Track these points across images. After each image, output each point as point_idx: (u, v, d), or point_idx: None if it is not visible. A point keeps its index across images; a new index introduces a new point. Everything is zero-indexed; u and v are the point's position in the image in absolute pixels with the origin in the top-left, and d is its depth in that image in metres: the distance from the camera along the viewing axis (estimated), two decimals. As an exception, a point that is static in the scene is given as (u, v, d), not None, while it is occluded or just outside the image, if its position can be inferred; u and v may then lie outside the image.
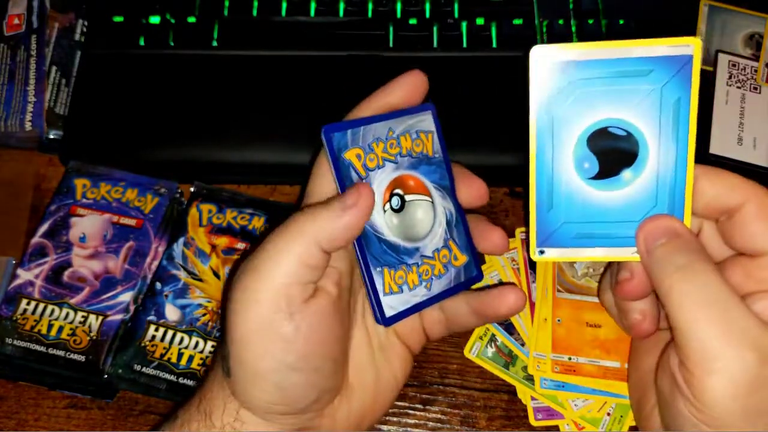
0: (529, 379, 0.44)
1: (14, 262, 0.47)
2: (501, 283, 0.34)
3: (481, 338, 0.46)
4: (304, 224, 0.31)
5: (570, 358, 0.44)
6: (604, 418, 0.43)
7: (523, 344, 0.45)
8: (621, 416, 0.43)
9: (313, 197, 0.34)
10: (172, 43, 0.53)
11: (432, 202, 0.36)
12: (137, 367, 0.43)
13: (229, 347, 0.31)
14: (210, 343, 0.44)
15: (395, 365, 0.37)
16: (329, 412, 0.34)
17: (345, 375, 0.35)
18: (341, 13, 0.54)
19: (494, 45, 0.53)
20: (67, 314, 0.44)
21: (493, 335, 0.46)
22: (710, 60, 0.55)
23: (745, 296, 0.31)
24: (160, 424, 0.39)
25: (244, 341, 0.31)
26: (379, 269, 0.34)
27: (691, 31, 0.56)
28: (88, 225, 0.47)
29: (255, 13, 0.54)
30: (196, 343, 0.44)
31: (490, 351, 0.45)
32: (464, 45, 0.53)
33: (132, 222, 0.47)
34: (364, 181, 0.33)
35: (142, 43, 0.53)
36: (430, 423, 0.44)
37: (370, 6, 0.54)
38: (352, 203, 0.31)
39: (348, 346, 0.35)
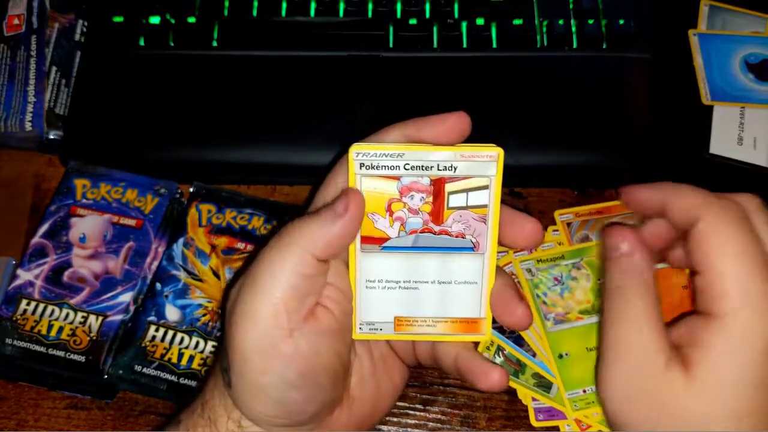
0: (541, 386, 0.44)
1: (14, 262, 0.47)
2: (493, 361, 0.35)
3: (488, 349, 0.45)
4: (295, 235, 0.31)
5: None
6: None
7: (534, 355, 0.45)
8: None
9: (319, 205, 0.33)
10: (172, 43, 0.53)
11: None
12: (138, 368, 0.43)
13: (230, 360, 0.31)
14: (210, 343, 0.44)
15: (395, 374, 0.38)
16: (329, 423, 0.34)
17: (346, 387, 0.35)
18: (341, 13, 0.54)
19: (494, 45, 0.53)
20: (67, 314, 0.44)
21: (499, 347, 0.45)
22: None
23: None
24: (163, 426, 0.39)
25: (244, 356, 0.31)
26: None
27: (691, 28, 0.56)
28: (88, 225, 0.47)
29: (255, 13, 0.54)
30: (197, 343, 0.44)
31: (498, 360, 0.45)
32: (464, 45, 0.53)
33: (132, 222, 0.47)
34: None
35: (142, 43, 0.53)
36: (430, 423, 0.44)
37: (370, 6, 0.54)
38: (343, 211, 0.31)
39: (350, 360, 0.35)
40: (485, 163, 0.31)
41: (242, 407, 0.32)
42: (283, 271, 0.30)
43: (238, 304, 0.31)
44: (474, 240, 0.33)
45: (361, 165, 0.31)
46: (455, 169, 0.31)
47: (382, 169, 0.32)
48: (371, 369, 0.36)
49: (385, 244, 0.33)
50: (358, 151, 0.31)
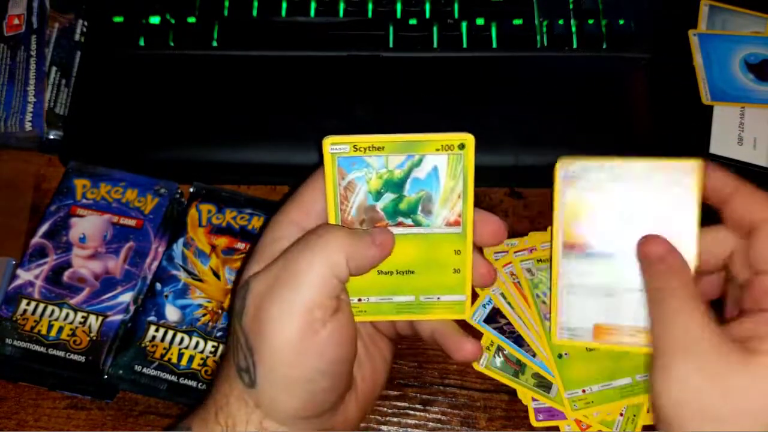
0: (541, 386, 0.44)
1: (14, 262, 0.47)
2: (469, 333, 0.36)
3: (488, 349, 0.45)
4: (339, 242, 0.32)
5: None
6: (617, 419, 0.43)
7: (534, 355, 0.45)
8: (634, 416, 0.43)
9: (305, 206, 0.35)
10: (172, 44, 0.53)
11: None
12: (138, 368, 0.43)
13: (256, 357, 0.32)
14: (210, 343, 0.44)
15: (384, 350, 0.39)
16: (342, 410, 0.35)
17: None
18: (341, 14, 0.54)
19: (494, 45, 0.53)
20: (67, 315, 0.44)
21: (499, 346, 0.45)
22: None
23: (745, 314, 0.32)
24: None
25: (277, 351, 0.32)
26: None
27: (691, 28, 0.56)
28: (88, 225, 0.47)
29: (255, 13, 0.54)
30: (197, 343, 0.44)
31: (499, 360, 0.45)
32: (464, 45, 0.53)
33: (132, 222, 0.47)
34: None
35: (142, 43, 0.53)
36: (430, 423, 0.44)
37: (370, 6, 0.54)
38: (381, 242, 0.33)
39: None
40: (681, 175, 0.32)
41: (267, 404, 0.33)
42: (323, 273, 0.32)
43: (274, 303, 0.32)
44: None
45: (565, 175, 0.33)
46: (651, 181, 0.32)
47: (587, 181, 0.33)
48: (364, 349, 0.38)
49: (588, 250, 0.34)
50: (563, 161, 0.33)
